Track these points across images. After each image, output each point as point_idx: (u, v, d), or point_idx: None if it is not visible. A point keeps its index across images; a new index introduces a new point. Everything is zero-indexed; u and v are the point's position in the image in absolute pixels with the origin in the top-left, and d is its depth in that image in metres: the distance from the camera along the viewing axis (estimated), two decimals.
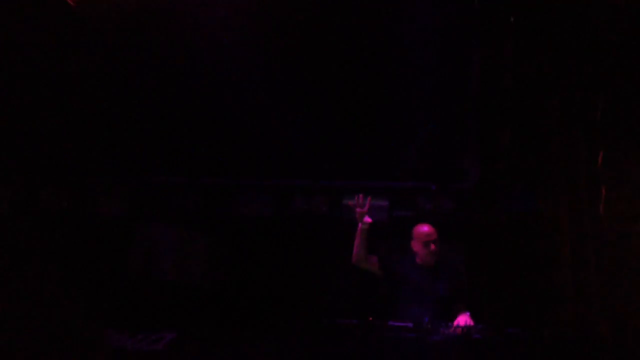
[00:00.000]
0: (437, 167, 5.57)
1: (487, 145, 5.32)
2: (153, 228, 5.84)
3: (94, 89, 5.86)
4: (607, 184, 4.45)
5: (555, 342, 3.98)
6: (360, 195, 4.63)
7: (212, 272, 5.85)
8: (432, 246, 4.59)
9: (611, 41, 4.66)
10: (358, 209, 4.61)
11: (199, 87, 5.79)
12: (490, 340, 3.88)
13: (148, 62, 5.80)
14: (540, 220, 5.32)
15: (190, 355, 3.35)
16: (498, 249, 5.63)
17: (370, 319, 4.08)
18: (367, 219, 4.62)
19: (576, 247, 5.12)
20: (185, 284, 5.52)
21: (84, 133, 5.89)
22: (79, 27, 5.61)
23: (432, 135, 5.49)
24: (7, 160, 5.77)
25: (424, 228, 4.66)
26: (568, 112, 4.98)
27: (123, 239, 5.83)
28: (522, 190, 5.25)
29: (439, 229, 4.86)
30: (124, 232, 5.85)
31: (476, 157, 5.28)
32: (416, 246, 4.67)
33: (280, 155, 5.83)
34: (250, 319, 4.59)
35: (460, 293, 4.62)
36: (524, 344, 3.91)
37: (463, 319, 4.35)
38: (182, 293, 5.42)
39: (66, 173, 5.90)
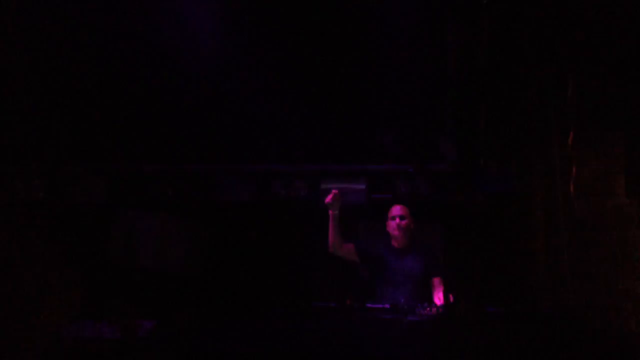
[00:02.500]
0: (414, 149, 5.59)
1: (463, 127, 5.35)
2: (132, 215, 5.81)
3: (69, 76, 5.80)
4: (578, 162, 4.51)
5: (532, 320, 4.06)
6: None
7: (192, 259, 5.85)
8: (399, 220, 4.65)
9: (584, 22, 4.68)
10: (327, 199, 4.61)
11: (177, 73, 5.75)
12: (468, 319, 3.94)
13: (124, 47, 5.74)
14: (516, 200, 5.39)
15: (169, 344, 3.36)
16: (475, 229, 5.70)
17: (348, 301, 4.14)
18: (336, 211, 4.61)
19: (550, 226, 5.20)
20: (164, 271, 5.51)
21: (60, 121, 5.84)
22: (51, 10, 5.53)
23: (408, 119, 5.52)
24: None
25: (395, 206, 4.74)
26: (542, 92, 5.01)
27: (102, 226, 5.79)
28: (498, 171, 5.29)
29: (416, 211, 4.92)
30: (103, 220, 5.82)
31: (452, 139, 5.30)
32: (388, 225, 4.73)
33: (258, 140, 5.83)
34: (230, 305, 4.63)
35: (435, 269, 4.69)
36: (501, 322, 3.98)
37: (443, 296, 4.43)
38: (161, 281, 5.42)
39: (42, 162, 5.86)
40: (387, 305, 4.10)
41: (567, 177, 4.98)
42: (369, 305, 4.11)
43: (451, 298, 4.33)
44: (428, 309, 4.03)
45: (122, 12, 5.46)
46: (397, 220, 4.72)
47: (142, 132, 5.90)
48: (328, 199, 4.58)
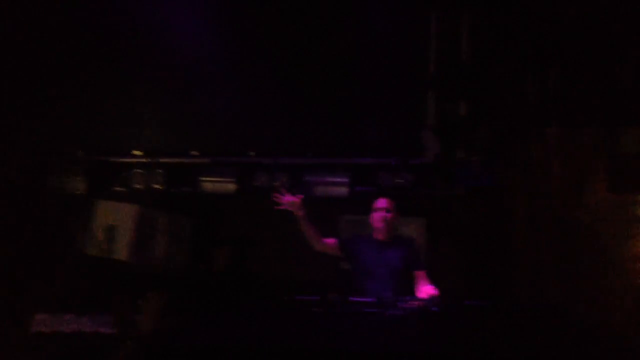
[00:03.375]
0: (397, 143, 5.60)
1: (446, 121, 5.37)
2: (114, 207, 5.75)
3: (50, 66, 5.72)
4: (559, 157, 4.56)
5: (512, 313, 4.09)
6: (280, 190, 4.64)
7: (174, 251, 5.82)
8: (384, 213, 4.65)
9: (566, 16, 4.72)
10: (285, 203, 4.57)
11: (158, 63, 5.71)
12: (448, 313, 3.96)
13: (100, 36, 5.69)
14: (497, 194, 5.43)
15: (152, 339, 3.33)
16: (457, 223, 5.74)
17: (331, 295, 4.13)
18: (300, 212, 4.57)
19: (532, 221, 5.25)
20: (146, 264, 5.48)
21: (41, 111, 5.76)
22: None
23: (391, 113, 5.52)
24: None
25: (380, 198, 4.75)
26: (524, 86, 5.05)
27: (82, 218, 5.73)
28: (480, 165, 5.33)
29: (398, 204, 4.93)
30: (83, 211, 5.75)
31: (435, 133, 5.32)
32: (372, 217, 4.74)
33: (242, 133, 5.80)
34: (211, 298, 4.60)
35: (415, 262, 4.70)
36: (481, 315, 4.01)
37: (427, 289, 4.44)
38: (142, 273, 5.38)
39: (23, 151, 5.78)
40: (369, 299, 4.10)
41: (547, 172, 5.04)
42: (351, 299, 4.10)
43: (435, 292, 4.35)
44: (410, 302, 4.04)
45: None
46: (383, 212, 4.72)
47: (125, 123, 5.85)
48: (285, 206, 4.55)
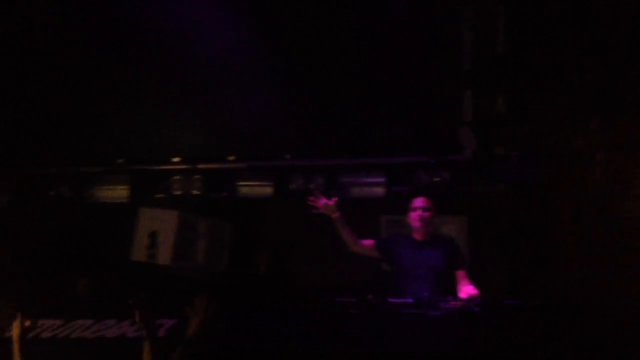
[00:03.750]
0: (433, 140, 5.52)
1: (483, 116, 5.26)
2: (156, 214, 5.85)
3: (90, 78, 5.88)
4: (603, 148, 4.40)
5: (554, 313, 3.98)
6: (315, 193, 4.63)
7: (215, 255, 5.88)
8: (421, 212, 4.60)
9: (603, 3, 4.57)
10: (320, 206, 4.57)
11: (194, 70, 5.78)
12: (489, 313, 3.88)
13: (138, 46, 5.80)
14: (539, 189, 5.29)
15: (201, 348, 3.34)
16: (499, 220, 5.62)
17: (370, 297, 4.10)
18: (335, 214, 4.57)
19: (576, 216, 5.10)
20: (186, 269, 5.55)
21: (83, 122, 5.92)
22: None
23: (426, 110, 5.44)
24: None
25: (418, 197, 4.69)
26: (564, 77, 4.91)
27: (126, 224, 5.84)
28: (519, 160, 5.20)
29: (437, 202, 4.86)
30: (126, 218, 5.86)
31: (472, 129, 5.22)
32: (409, 217, 4.68)
33: (278, 136, 5.81)
34: (251, 301, 4.63)
35: (455, 262, 4.63)
36: (523, 315, 3.91)
37: (468, 289, 4.37)
38: (182, 278, 5.45)
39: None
40: (409, 300, 4.05)
41: (592, 164, 4.88)
42: (390, 300, 4.07)
43: (475, 292, 4.27)
44: (452, 302, 3.97)
45: None
46: (420, 211, 4.66)
47: (163, 131, 5.95)
48: (321, 210, 4.56)
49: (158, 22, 5.72)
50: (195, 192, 5.90)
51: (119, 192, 6.02)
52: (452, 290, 4.50)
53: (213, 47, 5.66)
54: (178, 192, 5.90)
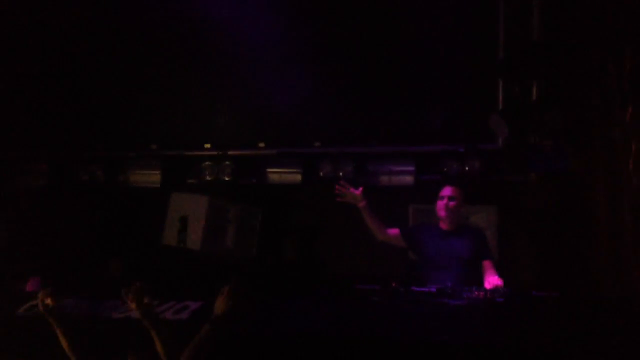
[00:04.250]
0: (464, 128, 5.43)
1: (515, 104, 5.15)
2: (186, 199, 5.92)
3: (124, 65, 5.97)
4: (638, 138, 4.25)
5: (583, 305, 3.90)
6: (342, 182, 4.62)
7: (244, 240, 5.92)
8: (447, 201, 4.55)
9: None
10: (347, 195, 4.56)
11: (224, 58, 5.82)
12: (514, 304, 3.82)
13: (170, 34, 5.87)
14: (572, 179, 5.16)
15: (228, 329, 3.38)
16: (530, 211, 5.51)
17: (394, 284, 4.08)
18: (361, 203, 4.57)
19: (612, 206, 4.95)
20: (215, 254, 5.61)
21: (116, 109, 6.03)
22: None
23: (457, 97, 5.35)
24: None
25: (446, 187, 4.64)
26: (599, 65, 4.75)
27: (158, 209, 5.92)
28: (552, 149, 5.08)
29: (467, 192, 4.79)
30: (158, 203, 5.95)
31: (504, 117, 5.11)
32: (437, 205, 4.64)
33: (307, 124, 5.81)
34: (276, 286, 4.66)
35: (482, 252, 4.57)
36: (549, 306, 3.84)
37: (493, 280, 4.32)
38: (208, 262, 5.51)
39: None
40: (432, 289, 4.03)
41: (627, 153, 4.73)
42: (414, 288, 4.05)
43: (500, 282, 4.21)
44: (476, 292, 3.93)
45: None
46: (445, 200, 4.62)
47: (196, 117, 6.02)
48: (347, 199, 4.56)
49: (190, 8, 5.77)
50: (225, 178, 5.95)
51: (151, 177, 6.12)
52: (479, 281, 4.45)
53: (244, 34, 5.69)
54: (209, 178, 5.96)
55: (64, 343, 3.24)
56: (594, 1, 4.72)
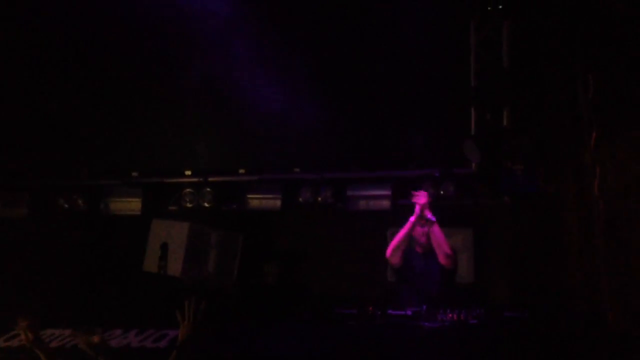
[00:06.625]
0: (439, 153, 5.57)
1: (487, 129, 5.30)
2: (167, 225, 5.96)
3: (106, 93, 6.05)
4: (605, 163, 4.41)
5: (555, 325, 4.00)
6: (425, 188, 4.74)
7: (225, 266, 5.96)
8: (428, 229, 4.66)
9: (606, 21, 4.59)
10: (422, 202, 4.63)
11: (204, 87, 5.93)
12: (487, 325, 3.92)
13: (151, 64, 5.96)
14: (544, 201, 5.30)
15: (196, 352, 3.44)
16: (504, 232, 5.64)
17: (370, 308, 4.17)
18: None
19: (583, 227, 5.09)
20: (196, 280, 5.64)
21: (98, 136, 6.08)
22: None
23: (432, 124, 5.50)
24: None
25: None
26: (566, 91, 4.93)
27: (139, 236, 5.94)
28: (524, 173, 5.22)
29: (442, 215, 4.90)
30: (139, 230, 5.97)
31: (477, 142, 5.26)
32: (415, 231, 4.73)
33: (287, 150, 5.91)
34: (257, 310, 4.72)
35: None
36: (522, 327, 3.94)
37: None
38: (186, 289, 5.55)
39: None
40: (408, 312, 4.12)
41: (598, 177, 4.87)
42: (390, 312, 4.13)
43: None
44: (450, 315, 4.02)
45: None
46: (426, 229, 4.72)
47: (176, 146, 6.09)
48: (422, 200, 4.60)
49: (172, 39, 5.88)
50: (206, 204, 6.02)
51: (132, 205, 6.17)
52: (452, 302, 4.53)
53: (223, 62, 5.81)
54: (189, 205, 6.02)
55: None
56: (559, 31, 4.91)
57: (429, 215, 4.63)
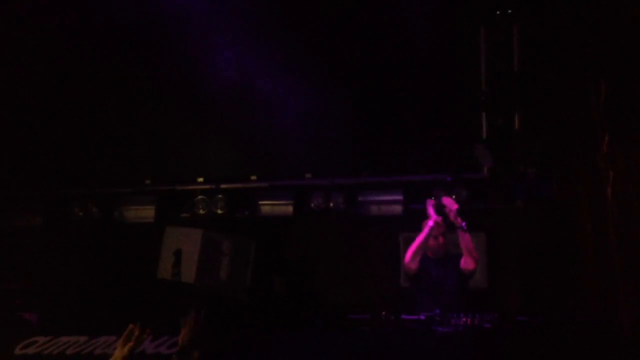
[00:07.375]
0: (450, 158, 5.57)
1: (499, 134, 5.29)
2: (180, 232, 5.99)
3: (117, 101, 6.10)
4: (614, 167, 4.39)
5: (567, 330, 3.98)
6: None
7: (238, 272, 5.98)
8: (441, 239, 4.65)
9: (617, 25, 4.59)
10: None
11: (215, 95, 5.97)
12: (500, 329, 3.91)
13: (163, 72, 6.02)
14: (558, 205, 5.29)
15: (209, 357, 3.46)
16: (517, 236, 5.62)
17: (383, 313, 4.17)
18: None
19: (596, 231, 5.06)
20: (210, 287, 5.66)
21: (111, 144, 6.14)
22: None
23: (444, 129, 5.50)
24: None
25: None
26: (578, 95, 4.92)
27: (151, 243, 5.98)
28: (536, 177, 5.21)
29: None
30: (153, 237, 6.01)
31: (489, 146, 5.25)
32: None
33: (298, 156, 5.93)
34: (268, 316, 4.73)
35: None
36: (535, 332, 3.93)
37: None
38: (203, 295, 5.57)
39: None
40: (421, 317, 4.11)
41: (610, 182, 4.85)
42: (403, 316, 4.13)
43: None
44: (463, 319, 4.01)
45: None
46: (441, 239, 4.71)
47: (188, 153, 6.13)
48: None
49: (182, 45, 5.93)
50: (219, 211, 6.05)
51: (145, 212, 6.21)
52: (465, 307, 4.52)
53: (235, 69, 5.84)
54: (202, 212, 6.06)
55: None
56: (570, 35, 4.90)
57: (459, 220, 4.58)
